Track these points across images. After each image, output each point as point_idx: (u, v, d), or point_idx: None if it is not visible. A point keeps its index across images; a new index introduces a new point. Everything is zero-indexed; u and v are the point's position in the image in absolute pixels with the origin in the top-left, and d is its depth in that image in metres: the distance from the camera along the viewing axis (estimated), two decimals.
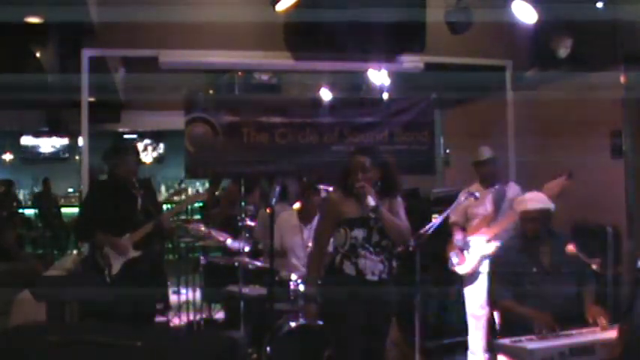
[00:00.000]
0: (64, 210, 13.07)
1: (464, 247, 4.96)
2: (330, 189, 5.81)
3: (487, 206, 4.96)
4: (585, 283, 3.83)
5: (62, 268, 5.82)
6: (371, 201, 3.52)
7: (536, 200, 3.87)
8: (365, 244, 3.64)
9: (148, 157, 15.17)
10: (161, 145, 15.27)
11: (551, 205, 3.92)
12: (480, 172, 5.10)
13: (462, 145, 7.23)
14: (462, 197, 4.68)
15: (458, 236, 5.03)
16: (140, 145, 14.61)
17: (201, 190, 13.98)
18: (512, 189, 4.94)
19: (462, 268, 5.01)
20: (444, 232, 5.09)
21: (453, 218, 5.10)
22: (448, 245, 5.10)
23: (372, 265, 3.64)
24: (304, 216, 5.32)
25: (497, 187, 4.99)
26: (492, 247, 4.70)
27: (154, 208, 4.76)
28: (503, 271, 3.87)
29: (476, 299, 4.91)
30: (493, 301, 3.89)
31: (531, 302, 3.71)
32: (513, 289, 3.79)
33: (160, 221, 4.69)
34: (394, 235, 3.65)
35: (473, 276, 4.93)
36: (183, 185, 8.50)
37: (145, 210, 4.67)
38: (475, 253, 4.87)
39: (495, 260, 4.15)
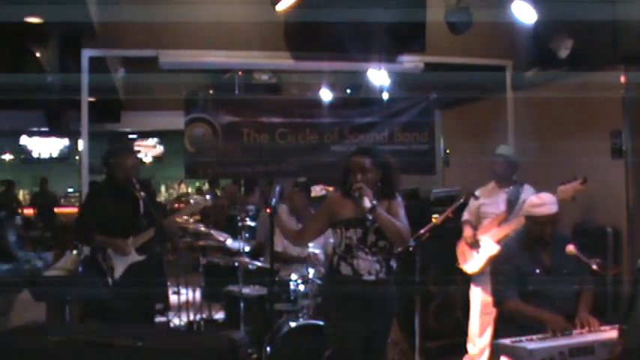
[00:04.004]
0: (64, 210, 13.06)
1: (473, 246, 4.96)
2: (318, 187, 5.84)
3: (500, 206, 4.94)
4: (584, 288, 3.80)
5: (62, 268, 5.82)
6: (367, 202, 3.51)
7: (547, 205, 3.82)
8: (360, 244, 3.63)
9: (148, 157, 15.20)
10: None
11: (557, 209, 3.89)
12: (494, 169, 5.08)
13: (461, 145, 7.23)
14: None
15: (467, 234, 5.03)
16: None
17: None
18: (527, 191, 4.88)
19: (470, 268, 5.00)
20: (451, 230, 5.11)
21: (465, 216, 5.10)
22: (458, 243, 5.10)
23: (369, 265, 3.63)
24: (300, 217, 5.33)
25: (512, 187, 4.97)
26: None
27: (156, 210, 4.73)
28: (507, 271, 3.86)
29: (485, 299, 4.87)
30: (499, 301, 3.87)
31: (534, 303, 3.70)
32: (517, 290, 3.78)
33: (164, 225, 4.66)
34: (392, 236, 3.63)
35: (481, 276, 4.90)
36: (183, 186, 8.51)
37: (147, 212, 4.63)
38: (484, 252, 4.86)
39: (499, 260, 4.14)
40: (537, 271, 3.78)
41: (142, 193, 4.62)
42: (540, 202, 3.82)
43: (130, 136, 14.90)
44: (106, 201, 4.59)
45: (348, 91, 8.18)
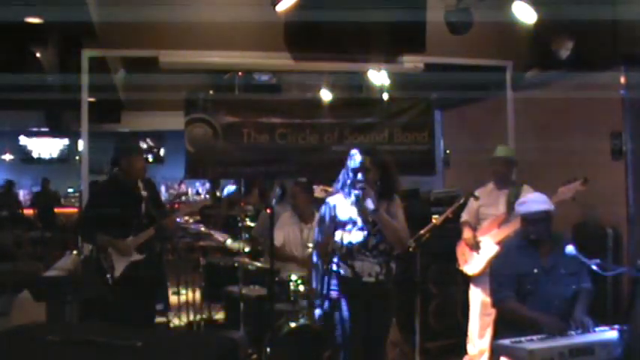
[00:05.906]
0: (64, 210, 13.04)
1: (473, 247, 4.94)
2: (318, 188, 5.84)
3: (499, 207, 4.93)
4: (582, 288, 3.80)
5: (62, 268, 5.81)
6: (370, 204, 3.50)
7: (538, 202, 3.84)
8: (361, 247, 3.63)
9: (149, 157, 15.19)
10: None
11: (552, 207, 3.91)
12: (494, 170, 5.07)
13: (462, 146, 7.23)
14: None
15: (467, 235, 5.02)
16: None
17: (201, 189, 14.03)
18: (527, 192, 4.87)
19: (470, 269, 4.99)
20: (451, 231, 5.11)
21: (464, 217, 5.09)
22: (458, 244, 5.09)
23: (369, 267, 3.63)
24: (303, 216, 5.32)
25: (511, 188, 4.96)
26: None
27: (158, 210, 4.75)
28: (505, 272, 3.86)
29: (485, 300, 4.82)
30: (496, 302, 3.87)
31: (532, 303, 3.70)
32: (515, 290, 3.79)
33: (164, 224, 4.67)
34: (392, 239, 3.63)
35: (481, 276, 4.89)
36: (183, 187, 8.51)
37: (148, 212, 4.66)
38: (484, 254, 4.85)
39: (497, 261, 4.14)
40: (535, 270, 3.78)
41: (145, 193, 4.66)
42: (527, 200, 3.86)
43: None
44: (110, 200, 4.62)
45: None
